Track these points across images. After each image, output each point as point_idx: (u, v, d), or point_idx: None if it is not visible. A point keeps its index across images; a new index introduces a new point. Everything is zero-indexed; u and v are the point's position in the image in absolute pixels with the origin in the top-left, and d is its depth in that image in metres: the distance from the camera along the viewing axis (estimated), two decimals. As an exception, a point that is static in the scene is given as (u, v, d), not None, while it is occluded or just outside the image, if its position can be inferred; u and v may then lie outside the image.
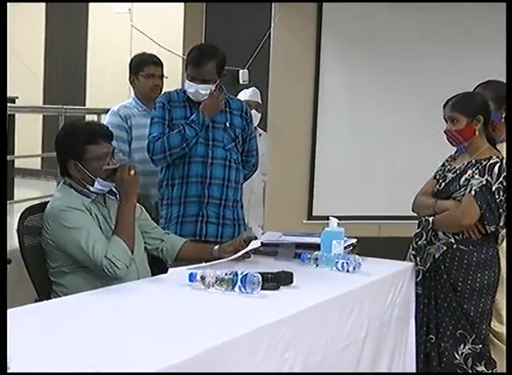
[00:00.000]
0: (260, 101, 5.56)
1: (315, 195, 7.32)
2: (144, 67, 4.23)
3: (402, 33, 7.42)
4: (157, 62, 4.29)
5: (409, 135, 7.51)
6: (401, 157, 7.48)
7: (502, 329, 3.58)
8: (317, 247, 3.11)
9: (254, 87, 5.70)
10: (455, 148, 3.89)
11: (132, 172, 2.88)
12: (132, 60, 4.34)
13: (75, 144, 2.91)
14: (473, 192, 3.28)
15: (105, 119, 4.27)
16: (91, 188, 2.94)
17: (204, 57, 3.62)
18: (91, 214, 2.91)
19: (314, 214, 7.27)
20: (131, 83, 4.31)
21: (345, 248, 3.14)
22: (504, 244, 3.41)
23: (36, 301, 2.84)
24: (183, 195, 3.67)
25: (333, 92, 7.33)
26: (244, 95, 5.31)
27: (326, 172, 7.29)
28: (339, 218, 3.16)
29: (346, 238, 3.16)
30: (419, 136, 7.53)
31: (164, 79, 4.30)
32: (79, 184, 2.95)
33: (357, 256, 3.02)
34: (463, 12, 7.56)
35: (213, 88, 3.62)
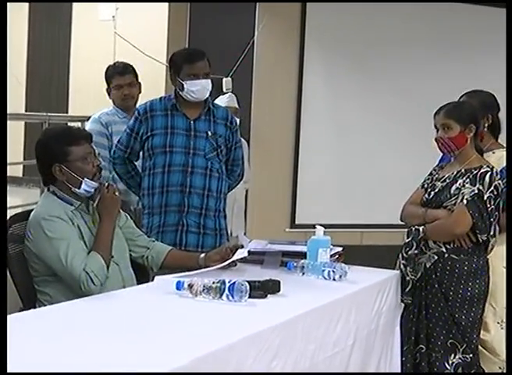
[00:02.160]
0: (237, 107, 5.57)
1: (298, 203, 7.32)
2: (112, 79, 4.31)
3: (385, 37, 7.45)
4: (122, 72, 4.30)
5: (392, 144, 7.55)
6: (384, 165, 7.51)
7: (487, 336, 3.61)
8: (303, 255, 3.11)
9: (230, 93, 5.71)
10: (439, 155, 3.92)
11: (116, 193, 2.89)
12: (105, 72, 4.40)
13: (57, 147, 2.91)
14: (465, 201, 3.30)
15: (87, 126, 4.31)
16: (78, 191, 2.93)
17: (197, 53, 3.68)
18: (73, 224, 2.90)
19: (296, 222, 7.28)
20: (108, 94, 4.37)
21: (331, 256, 3.15)
22: (492, 253, 3.44)
23: (21, 309, 2.82)
24: (164, 204, 3.66)
25: (317, 99, 7.34)
26: (221, 101, 5.31)
27: (309, 180, 7.30)
28: (322, 226, 3.17)
29: (332, 247, 3.17)
30: (402, 145, 7.57)
31: (136, 85, 4.32)
32: (64, 190, 2.95)
33: (343, 264, 3.03)
34: (449, 16, 7.60)
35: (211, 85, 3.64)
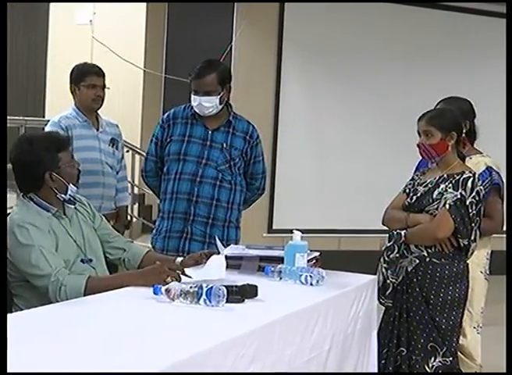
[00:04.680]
0: None
1: (275, 209, 7.35)
2: (86, 77, 4.18)
3: (364, 46, 7.51)
4: (99, 73, 4.24)
5: (368, 150, 7.61)
6: (360, 171, 7.57)
7: (464, 341, 3.65)
8: (280, 260, 3.12)
9: None
10: (415, 164, 3.96)
11: (169, 279, 2.70)
12: (73, 70, 4.27)
13: (48, 155, 2.90)
14: (447, 206, 3.33)
15: (46, 130, 4.15)
16: (64, 196, 2.95)
17: (205, 69, 3.68)
18: (50, 230, 2.89)
19: (274, 227, 7.31)
20: (72, 93, 4.24)
21: (308, 261, 3.15)
22: (473, 257, 3.48)
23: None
24: (172, 211, 3.75)
25: (294, 107, 7.39)
26: None
27: (286, 186, 7.34)
28: (299, 231, 3.18)
29: (309, 252, 3.17)
30: (378, 151, 7.63)
31: (106, 90, 4.25)
32: (44, 197, 2.94)
33: (320, 269, 3.03)
34: (433, 25, 7.67)
35: (217, 101, 3.65)
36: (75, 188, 2.99)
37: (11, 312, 2.78)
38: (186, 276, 2.78)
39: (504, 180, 3.83)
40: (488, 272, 3.85)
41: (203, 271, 2.95)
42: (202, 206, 3.72)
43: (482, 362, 3.89)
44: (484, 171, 3.69)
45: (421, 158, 3.89)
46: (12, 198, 3.21)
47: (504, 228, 3.91)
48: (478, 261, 3.71)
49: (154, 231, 3.88)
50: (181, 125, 3.79)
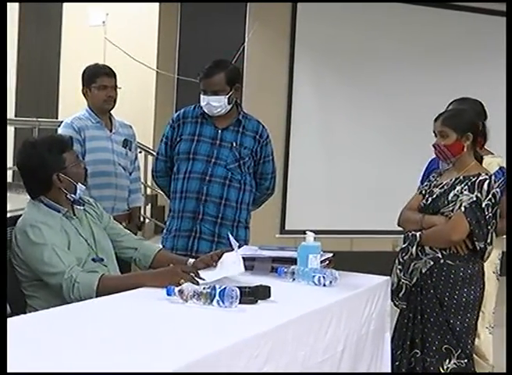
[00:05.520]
0: None
1: (288, 210, 7.35)
2: (97, 78, 4.19)
3: (375, 49, 7.51)
4: (109, 73, 4.25)
5: (379, 150, 7.60)
6: (371, 172, 7.56)
7: (477, 341, 3.64)
8: (293, 261, 3.12)
9: None
10: (425, 164, 3.95)
11: (182, 281, 2.70)
12: (84, 72, 4.29)
13: (52, 157, 2.93)
14: (463, 208, 3.32)
15: (59, 131, 4.19)
16: (74, 196, 2.98)
17: (213, 68, 3.70)
18: (62, 229, 2.92)
19: (286, 228, 7.31)
20: (84, 95, 4.27)
21: (321, 262, 3.15)
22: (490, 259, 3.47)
23: (9, 315, 2.81)
24: (181, 210, 3.77)
25: (306, 108, 7.40)
26: None
27: (299, 187, 7.34)
28: (312, 232, 3.18)
29: (322, 252, 3.17)
30: (389, 151, 7.62)
31: (118, 90, 4.26)
32: (54, 198, 2.96)
33: (333, 270, 3.03)
34: (444, 28, 7.65)
35: (226, 101, 3.66)
36: (84, 187, 3.02)
37: (24, 313, 2.79)
38: (201, 279, 2.77)
39: None
40: (499, 272, 3.85)
41: (219, 270, 2.95)
42: (211, 205, 3.72)
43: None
44: (497, 171, 3.69)
45: (431, 158, 3.90)
46: (24, 199, 3.21)
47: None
48: (491, 261, 3.70)
49: (164, 230, 3.91)
50: (191, 124, 3.80)
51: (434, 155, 3.73)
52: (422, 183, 3.93)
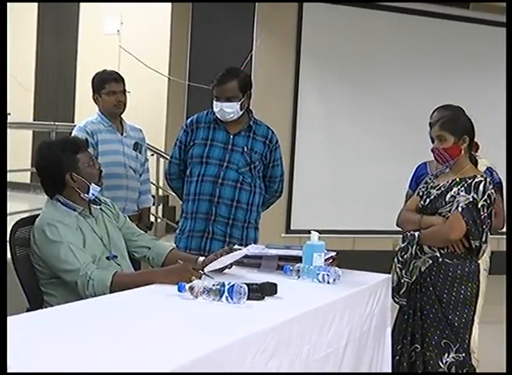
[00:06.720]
0: None
1: (293, 210, 7.45)
2: (106, 85, 4.26)
3: (377, 56, 7.61)
4: (117, 79, 4.30)
5: (381, 153, 7.69)
6: (374, 175, 7.65)
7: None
8: (299, 259, 3.20)
9: None
10: (413, 170, 4.08)
11: (193, 277, 2.80)
12: (93, 79, 4.36)
13: (66, 157, 3.01)
14: (460, 209, 3.41)
15: (72, 134, 4.26)
16: (87, 195, 3.05)
17: (226, 76, 3.79)
18: (78, 228, 3.00)
19: (292, 228, 7.40)
20: (95, 101, 4.33)
21: (325, 260, 3.23)
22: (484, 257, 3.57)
23: (27, 310, 2.92)
24: (195, 211, 3.86)
25: (311, 113, 7.50)
26: None
27: (304, 189, 7.44)
28: (316, 232, 3.27)
29: (326, 251, 3.26)
30: (390, 154, 7.71)
31: (127, 93, 4.32)
32: (70, 197, 3.04)
33: (337, 268, 3.10)
34: (437, 38, 7.76)
35: (238, 107, 3.75)
36: (98, 187, 3.08)
37: (41, 308, 2.89)
38: (208, 276, 2.86)
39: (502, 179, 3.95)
40: (488, 269, 3.97)
41: (223, 259, 3.06)
42: (223, 207, 3.82)
43: (482, 359, 4.02)
44: (485, 172, 3.79)
45: (418, 164, 4.03)
46: (42, 199, 3.31)
47: (504, 229, 4.01)
48: (483, 259, 3.79)
49: (177, 231, 3.98)
50: (204, 129, 3.89)
51: (422, 161, 3.89)
52: (411, 187, 4.07)
